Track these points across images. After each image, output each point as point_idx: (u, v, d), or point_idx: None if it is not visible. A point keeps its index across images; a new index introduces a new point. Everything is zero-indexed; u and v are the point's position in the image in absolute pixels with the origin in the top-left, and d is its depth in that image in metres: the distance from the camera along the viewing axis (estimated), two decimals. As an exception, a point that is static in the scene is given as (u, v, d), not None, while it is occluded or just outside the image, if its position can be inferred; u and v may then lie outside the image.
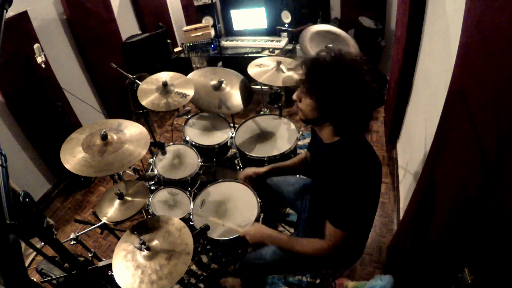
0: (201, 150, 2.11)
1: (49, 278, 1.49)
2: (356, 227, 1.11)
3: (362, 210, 1.09)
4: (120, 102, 3.32)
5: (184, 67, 3.63)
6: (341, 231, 1.09)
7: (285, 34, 3.33)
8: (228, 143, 2.22)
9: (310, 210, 1.44)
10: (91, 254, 1.65)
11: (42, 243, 0.67)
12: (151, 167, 2.08)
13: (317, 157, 1.30)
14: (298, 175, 1.85)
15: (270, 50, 3.16)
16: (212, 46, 3.42)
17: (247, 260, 1.48)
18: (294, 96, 1.11)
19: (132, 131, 1.64)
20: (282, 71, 2.15)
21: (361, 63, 1.02)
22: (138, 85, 2.02)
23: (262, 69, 2.21)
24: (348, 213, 1.07)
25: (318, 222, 1.23)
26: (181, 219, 1.55)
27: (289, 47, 3.23)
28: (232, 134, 2.19)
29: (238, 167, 2.35)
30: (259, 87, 2.21)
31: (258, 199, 1.73)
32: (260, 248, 1.40)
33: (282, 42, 3.25)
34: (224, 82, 2.26)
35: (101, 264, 1.43)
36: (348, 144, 1.09)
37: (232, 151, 2.27)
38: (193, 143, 2.13)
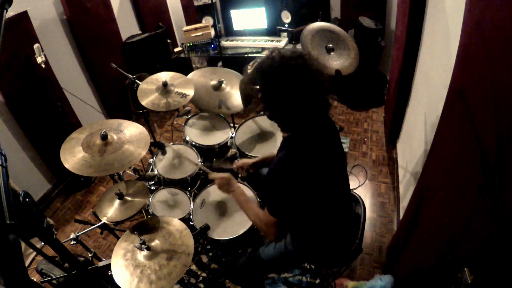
0: (201, 150, 2.11)
1: (49, 278, 1.49)
2: (284, 216, 1.19)
3: (288, 201, 1.16)
4: (120, 102, 3.32)
5: (184, 67, 3.63)
6: (271, 216, 1.17)
7: (285, 34, 3.33)
8: (228, 143, 2.22)
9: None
10: (91, 254, 1.65)
11: (42, 243, 0.66)
12: (151, 167, 2.07)
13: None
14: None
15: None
16: (212, 46, 3.42)
17: (246, 259, 1.48)
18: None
19: (132, 131, 1.64)
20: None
21: (292, 57, 1.03)
22: (138, 85, 2.02)
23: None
24: (272, 198, 1.18)
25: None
26: (181, 219, 1.55)
27: (289, 47, 3.23)
28: (232, 134, 2.19)
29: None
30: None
31: (258, 199, 1.73)
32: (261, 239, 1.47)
33: (282, 42, 3.24)
34: (224, 82, 2.26)
35: (101, 264, 1.44)
36: (293, 139, 1.17)
37: (232, 151, 2.27)
38: (193, 143, 2.13)
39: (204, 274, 1.89)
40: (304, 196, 1.14)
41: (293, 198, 1.15)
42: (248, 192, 1.77)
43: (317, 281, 1.86)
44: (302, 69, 1.01)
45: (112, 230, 1.89)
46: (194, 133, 2.24)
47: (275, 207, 1.17)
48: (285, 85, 1.01)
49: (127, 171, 2.47)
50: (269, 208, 1.18)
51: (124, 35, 3.29)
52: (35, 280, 1.53)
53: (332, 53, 1.98)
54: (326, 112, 1.14)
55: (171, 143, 2.18)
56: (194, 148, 2.12)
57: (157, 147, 2.02)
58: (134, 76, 2.11)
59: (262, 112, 2.36)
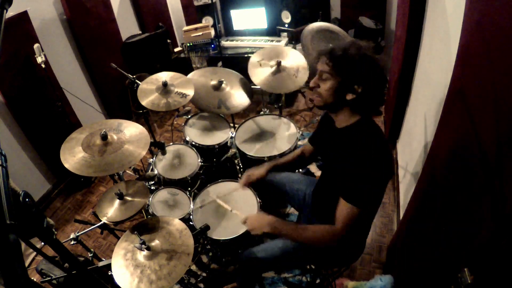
0: (201, 150, 2.11)
1: (49, 278, 1.49)
2: (368, 204, 1.12)
3: (375, 188, 1.10)
4: (120, 102, 3.32)
5: (184, 67, 3.62)
6: (355, 207, 1.08)
7: (285, 34, 3.33)
8: (228, 143, 2.22)
9: (313, 205, 1.46)
10: (91, 254, 1.65)
11: (42, 243, 0.66)
12: (151, 167, 2.07)
13: (328, 146, 1.30)
14: (297, 171, 1.85)
15: (270, 50, 3.16)
16: (212, 46, 3.42)
17: (245, 255, 1.48)
18: (312, 83, 1.17)
19: (132, 131, 1.64)
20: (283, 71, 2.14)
21: (368, 46, 1.12)
22: (138, 85, 2.02)
23: (263, 69, 2.20)
24: (363, 188, 1.08)
25: (321, 216, 1.23)
26: (181, 219, 1.55)
27: (289, 47, 3.23)
28: (232, 134, 2.19)
29: (238, 167, 2.35)
30: (259, 87, 2.20)
31: (258, 199, 1.73)
32: (262, 238, 1.41)
33: (282, 42, 3.24)
34: (224, 82, 2.26)
35: (101, 264, 1.44)
36: (365, 125, 1.15)
37: (232, 151, 2.27)
38: (193, 143, 2.13)
39: (204, 274, 1.89)
40: (383, 182, 1.12)
41: (378, 184, 1.10)
42: (251, 196, 1.75)
43: (317, 281, 1.86)
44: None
45: (112, 230, 1.89)
46: (194, 133, 2.24)
47: (360, 193, 1.08)
48: (374, 69, 1.09)
49: (127, 171, 2.47)
50: (351, 196, 1.08)
51: (124, 35, 3.29)
52: (35, 280, 1.53)
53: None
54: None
55: (171, 143, 2.19)
56: (194, 148, 2.12)
57: (157, 147, 2.02)
58: (134, 76, 2.11)
59: (264, 112, 2.37)
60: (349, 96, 1.11)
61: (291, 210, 2.26)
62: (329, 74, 1.12)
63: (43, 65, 2.29)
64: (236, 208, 1.69)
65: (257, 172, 1.57)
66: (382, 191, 1.15)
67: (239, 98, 2.25)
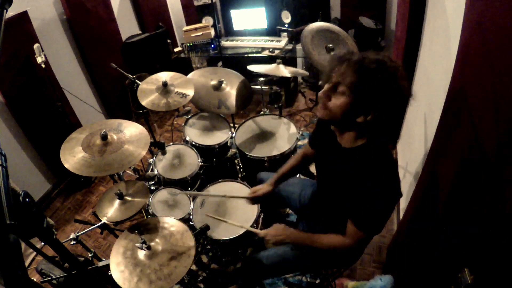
0: (201, 150, 2.11)
1: (49, 278, 1.49)
2: (376, 231, 1.10)
3: (385, 216, 1.08)
4: (120, 102, 3.32)
5: (184, 67, 3.62)
6: (362, 232, 1.08)
7: (285, 34, 3.32)
8: (228, 143, 2.22)
9: (318, 212, 1.43)
10: (91, 254, 1.65)
11: (42, 243, 0.66)
12: (151, 167, 2.08)
13: (333, 161, 1.21)
14: (298, 175, 1.84)
15: (270, 50, 3.16)
16: (212, 46, 3.42)
17: (247, 263, 1.48)
18: (322, 93, 1.02)
19: (132, 131, 1.64)
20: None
21: (397, 68, 0.96)
22: (138, 85, 2.02)
23: (263, 65, 2.21)
24: (373, 217, 1.06)
25: (323, 222, 1.22)
26: (181, 219, 1.55)
27: (289, 47, 3.23)
28: (232, 134, 2.19)
29: (238, 167, 2.35)
30: (259, 87, 2.20)
31: (260, 210, 1.72)
32: (278, 247, 1.37)
33: (282, 42, 3.24)
34: (224, 82, 2.26)
35: (101, 264, 1.44)
36: (372, 149, 1.05)
37: (232, 151, 2.27)
38: (193, 143, 2.13)
39: (204, 274, 1.89)
40: (392, 208, 1.09)
41: (388, 212, 1.06)
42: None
43: (317, 281, 1.86)
44: (402, 80, 0.96)
45: (112, 230, 1.89)
46: (194, 133, 2.24)
47: (370, 222, 1.06)
48: (395, 93, 0.94)
49: (127, 171, 2.47)
50: (360, 223, 1.07)
51: (124, 35, 3.29)
52: (35, 280, 1.53)
53: (332, 53, 1.98)
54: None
55: (171, 143, 2.19)
56: (194, 148, 2.12)
57: (157, 147, 2.02)
58: (134, 76, 2.11)
59: (264, 112, 2.37)
60: (361, 119, 0.98)
61: (291, 210, 2.26)
62: (348, 89, 0.96)
63: (43, 65, 2.29)
64: (236, 208, 1.70)
65: (265, 189, 1.49)
66: (390, 214, 1.13)
67: (239, 98, 2.25)
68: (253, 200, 1.51)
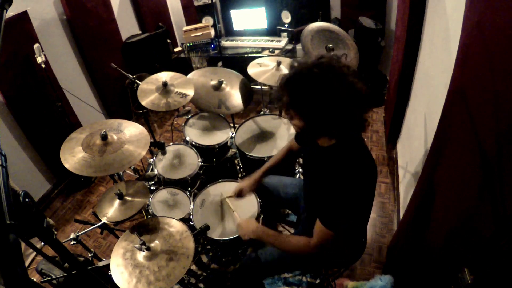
0: (201, 150, 2.11)
1: (49, 278, 1.49)
2: (345, 230, 1.10)
3: (354, 214, 1.09)
4: (120, 102, 3.32)
5: (184, 67, 3.62)
6: (329, 230, 1.08)
7: (285, 34, 3.32)
8: (228, 143, 2.22)
9: (307, 210, 1.44)
10: (91, 254, 1.66)
11: (42, 243, 0.66)
12: (151, 167, 2.07)
13: (311, 159, 1.28)
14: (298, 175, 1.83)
15: (270, 50, 3.16)
16: (212, 46, 3.42)
17: (246, 262, 1.48)
18: (285, 114, 1.11)
19: (132, 131, 1.64)
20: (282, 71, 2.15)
21: (340, 66, 0.98)
22: (138, 85, 2.02)
23: (262, 68, 2.21)
24: (339, 215, 1.07)
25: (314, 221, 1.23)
26: (181, 219, 1.55)
27: (289, 47, 3.23)
28: (232, 134, 2.19)
29: (238, 167, 2.35)
30: (259, 87, 2.20)
31: (258, 199, 1.73)
32: (254, 243, 1.39)
33: (282, 42, 3.24)
34: (224, 82, 2.26)
35: (101, 264, 1.44)
36: (345, 147, 1.08)
37: (232, 151, 2.27)
38: (193, 143, 2.13)
39: (204, 274, 1.89)
40: (364, 205, 1.12)
41: (357, 209, 1.09)
42: (253, 203, 1.74)
43: (317, 281, 1.86)
44: (350, 76, 0.97)
45: (112, 230, 1.89)
46: (194, 133, 2.24)
47: (336, 220, 1.07)
48: (337, 94, 0.95)
49: (127, 171, 2.47)
50: (326, 220, 1.08)
51: (124, 35, 3.29)
52: (35, 280, 1.53)
53: (332, 53, 1.98)
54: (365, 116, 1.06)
55: (171, 143, 2.19)
56: (194, 148, 2.12)
57: (157, 147, 2.02)
58: (134, 76, 2.10)
59: (264, 112, 2.37)
60: (320, 129, 1.05)
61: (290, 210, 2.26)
62: (292, 111, 1.03)
63: (43, 65, 2.29)
64: (236, 208, 1.70)
65: (250, 183, 1.55)
66: (366, 212, 1.16)
67: (239, 98, 2.25)
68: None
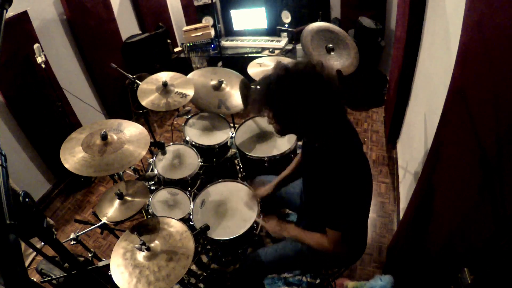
0: (201, 150, 2.11)
1: (49, 278, 1.49)
2: (349, 227, 1.13)
3: (354, 209, 1.11)
4: (120, 102, 3.32)
5: (184, 67, 3.63)
6: (335, 231, 1.12)
7: (285, 34, 3.33)
8: (228, 143, 2.22)
9: (307, 209, 1.45)
10: (91, 254, 1.65)
11: (42, 243, 0.66)
12: (151, 167, 2.07)
13: (308, 158, 1.31)
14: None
15: (270, 50, 3.16)
16: (212, 46, 3.42)
17: (248, 260, 1.48)
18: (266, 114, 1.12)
19: (132, 131, 1.64)
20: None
21: (312, 68, 1.01)
22: (138, 85, 2.02)
23: (262, 68, 2.22)
24: (340, 213, 1.10)
25: (316, 220, 1.25)
26: (181, 219, 1.55)
27: (289, 47, 3.23)
28: (232, 134, 2.19)
29: (238, 167, 2.34)
30: (259, 87, 2.20)
31: (258, 199, 1.73)
32: (277, 240, 1.43)
33: (282, 42, 3.24)
34: (224, 82, 2.26)
35: (101, 264, 1.44)
36: (330, 146, 1.10)
37: (232, 151, 2.27)
38: (193, 143, 2.13)
39: (204, 274, 1.89)
40: (362, 199, 1.14)
41: (356, 204, 1.11)
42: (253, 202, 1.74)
43: (317, 281, 1.86)
44: (314, 76, 0.99)
45: (112, 230, 1.89)
46: (194, 133, 2.24)
47: (339, 220, 1.11)
48: (303, 93, 0.98)
49: (127, 171, 2.47)
50: (332, 224, 1.12)
51: (124, 35, 3.29)
52: (35, 280, 1.53)
53: (332, 53, 1.98)
54: (344, 115, 1.09)
55: (171, 143, 2.19)
56: (194, 148, 2.12)
57: (157, 147, 2.02)
58: (134, 76, 2.10)
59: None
60: (291, 129, 1.10)
61: (290, 210, 2.26)
62: (267, 117, 1.09)
63: (43, 65, 2.29)
64: (236, 208, 1.70)
65: (263, 191, 1.60)
66: (365, 206, 1.18)
67: (239, 98, 2.25)
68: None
